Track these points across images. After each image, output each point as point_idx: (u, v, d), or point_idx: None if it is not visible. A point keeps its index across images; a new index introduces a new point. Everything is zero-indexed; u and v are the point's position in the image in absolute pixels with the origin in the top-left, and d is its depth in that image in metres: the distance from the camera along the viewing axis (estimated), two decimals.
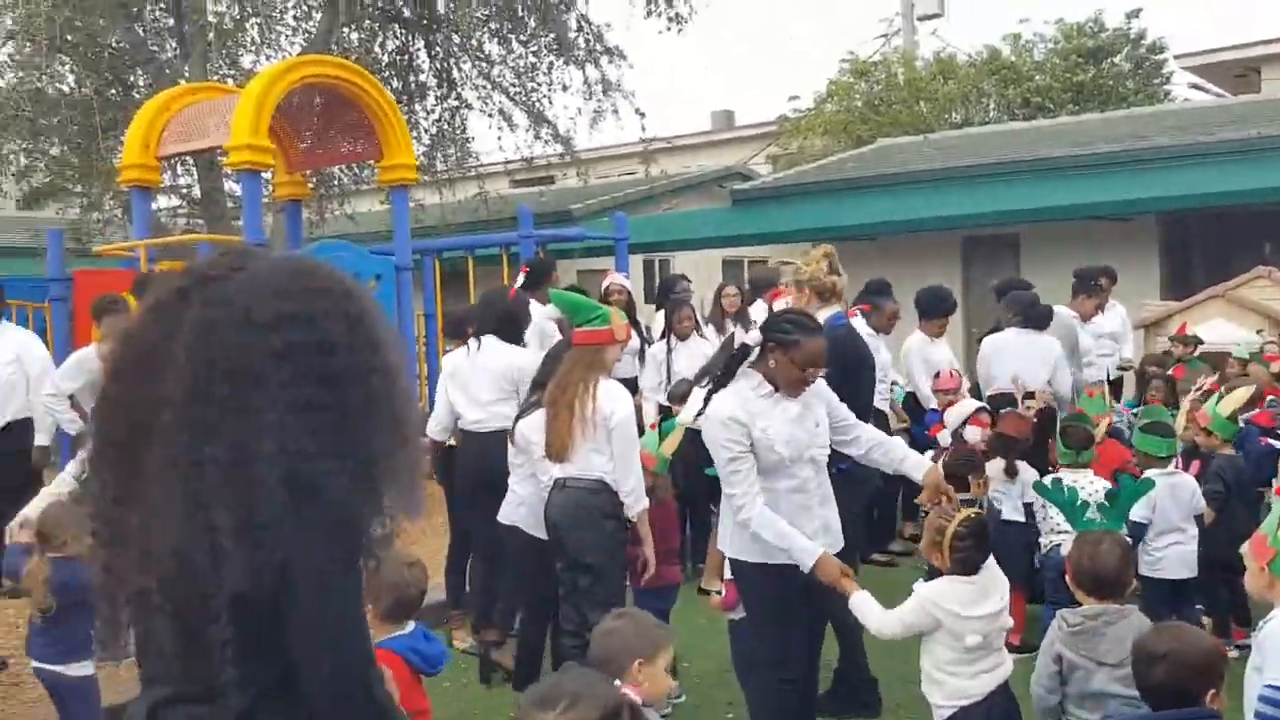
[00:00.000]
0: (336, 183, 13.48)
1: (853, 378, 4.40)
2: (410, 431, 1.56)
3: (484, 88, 13.37)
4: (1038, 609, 5.02)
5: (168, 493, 1.40)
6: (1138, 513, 4.55)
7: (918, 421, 7.10)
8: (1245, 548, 2.80)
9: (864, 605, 3.47)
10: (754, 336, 3.69)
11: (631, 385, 6.19)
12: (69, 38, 10.01)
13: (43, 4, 9.35)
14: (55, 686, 3.72)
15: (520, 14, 12.80)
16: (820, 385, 3.72)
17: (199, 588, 1.39)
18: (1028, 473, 5.31)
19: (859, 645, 4.45)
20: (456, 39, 12.75)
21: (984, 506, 4.98)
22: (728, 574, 3.96)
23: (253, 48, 11.85)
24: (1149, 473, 4.65)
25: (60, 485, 4.71)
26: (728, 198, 16.02)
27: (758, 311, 7.12)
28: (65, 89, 11.17)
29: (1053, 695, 3.28)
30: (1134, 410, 6.95)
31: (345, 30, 12.03)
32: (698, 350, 6.80)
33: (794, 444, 3.59)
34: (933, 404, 6.88)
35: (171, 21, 11.58)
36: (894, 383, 7.15)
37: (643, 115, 13.59)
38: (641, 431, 4.85)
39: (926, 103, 21.40)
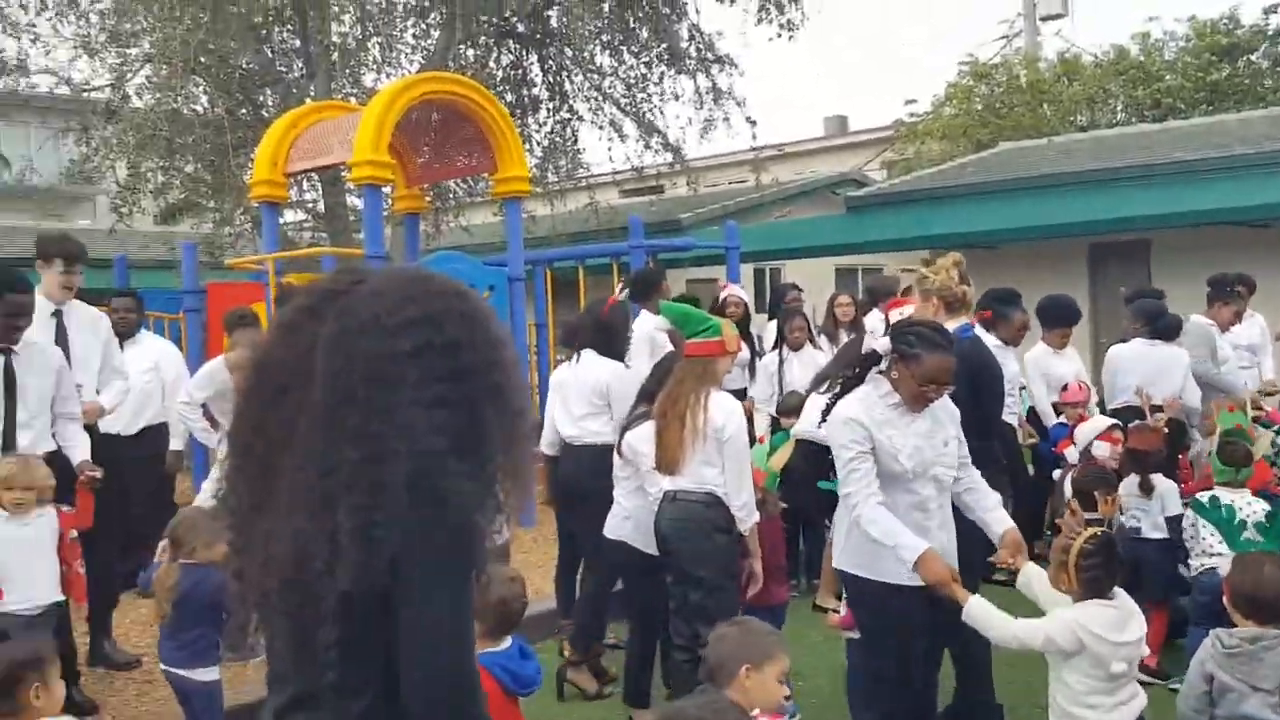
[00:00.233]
0: (452, 195, 13.78)
1: (978, 391, 4.24)
2: (525, 429, 1.59)
3: (595, 99, 13.50)
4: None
5: (297, 495, 1.46)
6: None
7: (1042, 437, 6.84)
8: None
9: (984, 612, 3.30)
10: (883, 343, 3.61)
11: (740, 397, 6.12)
12: (203, 60, 10.47)
13: (179, 28, 9.79)
14: (181, 689, 3.85)
15: (632, 26, 12.89)
16: (953, 408, 3.63)
17: (313, 589, 1.43)
18: (1164, 485, 5.04)
19: (987, 670, 4.28)
20: (569, 52, 12.91)
21: (1113, 526, 4.75)
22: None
23: (374, 66, 12.22)
24: None
25: (202, 501, 4.91)
26: (841, 204, 15.80)
27: (873, 321, 6.97)
28: (199, 109, 11.69)
29: (1200, 716, 3.16)
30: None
31: (462, 47, 12.29)
32: (810, 361, 6.69)
33: (918, 458, 3.49)
34: (1052, 420, 6.64)
35: (298, 42, 12.02)
36: (1021, 387, 6.90)
37: (754, 123, 13.53)
38: (751, 443, 4.78)
39: (1050, 105, 20.78)
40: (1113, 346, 6.83)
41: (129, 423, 6.07)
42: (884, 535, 3.36)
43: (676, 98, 13.55)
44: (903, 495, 3.48)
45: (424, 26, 12.64)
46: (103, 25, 11.71)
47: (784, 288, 8.49)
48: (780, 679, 2.75)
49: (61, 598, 4.11)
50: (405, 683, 1.43)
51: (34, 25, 11.94)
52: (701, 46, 13.26)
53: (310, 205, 13.70)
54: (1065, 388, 6.63)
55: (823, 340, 7.24)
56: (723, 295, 7.56)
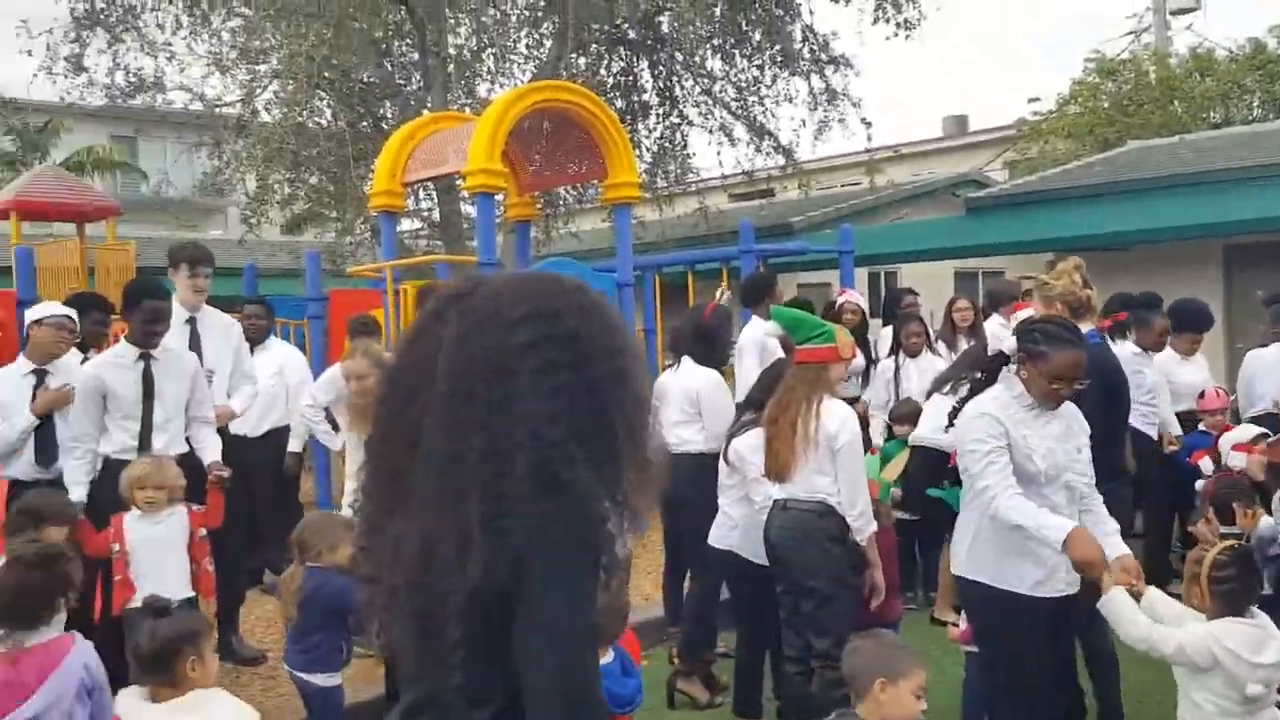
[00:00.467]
0: (562, 202, 13.92)
1: (1107, 398, 4.12)
2: (650, 420, 1.57)
3: (705, 103, 13.47)
4: None
5: (425, 494, 1.47)
6: None
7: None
8: None
9: (1122, 607, 3.14)
10: (1010, 344, 3.55)
11: (852, 405, 6.01)
12: (326, 75, 10.81)
13: (304, 44, 10.15)
14: (303, 691, 3.96)
15: (744, 29, 12.82)
16: (1083, 420, 3.53)
17: (440, 588, 1.43)
18: None
19: (1115, 682, 4.11)
20: (679, 57, 12.91)
21: (1249, 540, 4.49)
22: None
23: (488, 77, 12.44)
24: None
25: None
26: (961, 206, 15.38)
27: (993, 326, 6.77)
28: (323, 123, 12.09)
29: None
30: None
31: (573, 56, 12.42)
32: (928, 368, 6.51)
33: (1051, 460, 3.40)
34: (1177, 429, 6.33)
35: (416, 56, 12.32)
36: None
37: (869, 124, 13.31)
38: (864, 451, 4.68)
39: (1181, 102, 19.87)
40: (1250, 352, 6.56)
41: (255, 425, 6.30)
42: (1026, 518, 3.24)
43: (790, 100, 13.45)
44: (1034, 500, 3.35)
45: (537, 36, 12.82)
46: (234, 43, 12.22)
47: (900, 292, 8.31)
48: (916, 694, 2.67)
49: (191, 594, 4.25)
50: (528, 678, 1.41)
51: (170, 44, 12.54)
52: (815, 47, 13.11)
53: (426, 214, 14.03)
54: (1203, 395, 6.34)
55: (940, 346, 7.06)
56: (840, 300, 7.44)
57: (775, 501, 4.18)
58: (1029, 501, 3.29)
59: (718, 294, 5.62)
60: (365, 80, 12.08)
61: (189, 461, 4.59)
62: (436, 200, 12.83)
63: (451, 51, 11.77)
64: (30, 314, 5.14)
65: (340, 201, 12.45)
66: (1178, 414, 6.40)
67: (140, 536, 4.15)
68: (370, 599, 1.58)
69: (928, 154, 22.40)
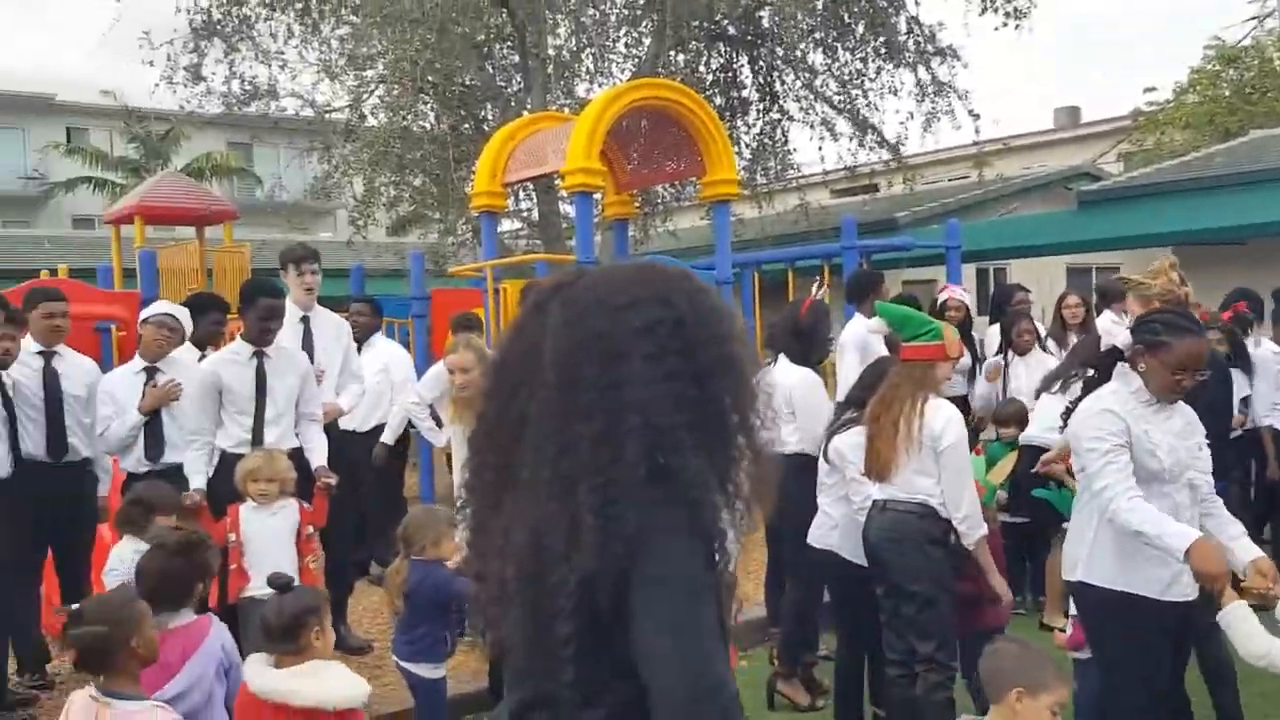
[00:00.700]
0: (660, 200, 13.92)
1: (1214, 396, 3.97)
2: (761, 406, 1.54)
3: (806, 98, 13.31)
4: None
5: (534, 483, 1.46)
6: None
7: None
8: None
9: (1241, 621, 2.99)
10: (1124, 339, 3.43)
11: (959, 405, 5.86)
12: (430, 79, 11.03)
13: (409, 49, 10.37)
14: (409, 680, 4.05)
15: (847, 21, 12.64)
16: (1197, 418, 3.40)
17: (550, 581, 1.41)
18: None
19: (1235, 692, 3.93)
20: (780, 51, 12.79)
21: None
22: (1072, 609, 3.62)
23: (587, 77, 12.52)
24: None
25: None
26: (1073, 200, 14.89)
27: (1105, 323, 6.53)
28: (426, 126, 12.35)
29: None
30: None
31: (672, 53, 12.41)
32: (1039, 366, 6.32)
33: (1174, 457, 3.27)
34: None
35: (516, 58, 12.48)
36: None
37: (976, 117, 13.01)
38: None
39: None
40: None
41: (362, 421, 6.46)
42: (1147, 524, 3.10)
43: (894, 93, 13.20)
44: (1156, 499, 3.22)
45: (635, 35, 12.85)
46: (342, 50, 12.57)
47: (1009, 289, 8.09)
48: (1054, 710, 2.58)
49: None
50: (650, 684, 1.36)
51: (282, 53, 12.97)
52: (921, 39, 12.85)
53: (525, 214, 14.20)
54: None
55: (1050, 344, 6.84)
56: (942, 297, 7.28)
57: (874, 502, 4.10)
58: (1149, 505, 3.16)
59: (814, 289, 5.52)
60: (467, 83, 12.28)
61: (297, 460, 4.71)
62: (536, 200, 12.98)
63: (551, 52, 11.87)
64: (142, 314, 5.37)
65: (443, 203, 12.68)
66: None
67: (255, 527, 4.30)
68: (479, 595, 1.57)
69: (1037, 146, 21.78)
